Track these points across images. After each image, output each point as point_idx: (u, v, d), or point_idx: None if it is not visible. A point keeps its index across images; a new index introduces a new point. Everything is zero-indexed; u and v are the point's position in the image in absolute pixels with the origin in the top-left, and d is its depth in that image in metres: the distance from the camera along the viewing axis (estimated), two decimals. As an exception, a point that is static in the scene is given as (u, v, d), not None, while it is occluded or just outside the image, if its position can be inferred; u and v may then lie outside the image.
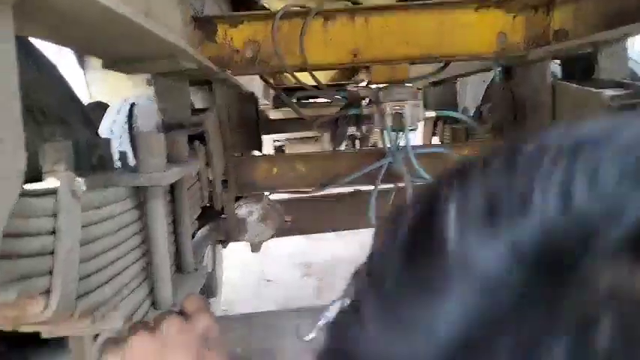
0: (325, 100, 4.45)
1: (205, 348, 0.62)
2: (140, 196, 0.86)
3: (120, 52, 1.00)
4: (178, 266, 1.08)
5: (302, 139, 5.06)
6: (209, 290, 1.25)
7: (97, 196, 0.73)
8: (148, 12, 0.86)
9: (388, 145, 1.66)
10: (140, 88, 2.17)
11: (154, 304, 0.89)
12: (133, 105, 2.02)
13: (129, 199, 0.83)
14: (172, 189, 1.01)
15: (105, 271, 0.72)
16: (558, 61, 1.92)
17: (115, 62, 1.05)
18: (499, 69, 2.03)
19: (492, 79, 2.10)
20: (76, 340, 0.85)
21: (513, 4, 1.64)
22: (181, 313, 0.65)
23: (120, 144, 2.00)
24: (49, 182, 0.66)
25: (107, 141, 1.06)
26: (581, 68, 1.69)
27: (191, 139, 1.35)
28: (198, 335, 0.62)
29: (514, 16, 1.65)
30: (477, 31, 1.64)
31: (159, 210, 0.85)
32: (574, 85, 1.59)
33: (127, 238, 0.81)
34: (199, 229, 1.62)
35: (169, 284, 0.90)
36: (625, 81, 1.51)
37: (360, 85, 3.70)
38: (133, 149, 0.86)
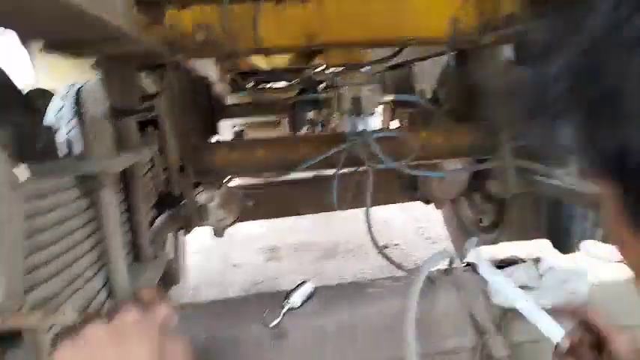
0: (283, 85, 4.42)
1: (165, 337, 0.60)
2: (90, 185, 0.83)
3: (60, 34, 0.96)
4: (136, 255, 1.06)
5: (262, 124, 4.99)
6: (171, 278, 1.23)
7: (42, 185, 0.70)
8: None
9: (347, 130, 1.66)
10: (86, 75, 2.09)
11: (110, 295, 0.87)
12: (79, 89, 1.94)
13: (77, 187, 0.80)
14: (124, 176, 0.98)
15: (54, 263, 0.69)
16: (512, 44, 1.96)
17: (56, 45, 1.01)
18: (452, 53, 2.06)
19: (446, 64, 2.13)
20: (29, 333, 0.82)
21: (465, -12, 1.65)
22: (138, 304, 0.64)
23: (68, 131, 1.93)
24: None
25: (50, 128, 1.02)
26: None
27: (143, 124, 1.31)
28: (156, 324, 0.61)
29: (466, 0, 1.66)
30: (430, 15, 1.65)
31: (111, 198, 0.83)
32: (526, 68, 1.62)
33: (77, 228, 0.78)
34: (159, 216, 1.59)
35: (125, 274, 0.88)
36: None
37: (318, 69, 3.69)
38: (81, 136, 0.83)
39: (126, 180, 0.99)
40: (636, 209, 0.33)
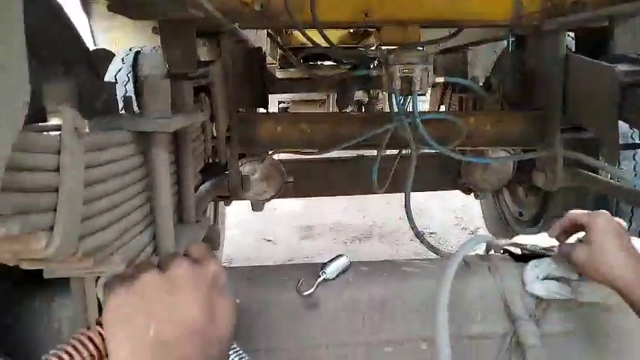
0: (333, 63, 4.40)
1: (215, 293, 0.61)
2: (144, 143, 0.85)
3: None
4: (180, 217, 1.09)
5: (307, 102, 5.01)
6: (211, 242, 1.27)
7: (101, 138, 0.73)
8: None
9: (395, 110, 1.63)
10: (145, 38, 2.14)
11: (155, 251, 0.90)
12: (138, 53, 1.99)
13: (133, 144, 0.82)
14: (176, 138, 1.00)
15: (108, 214, 0.72)
16: (572, 34, 1.88)
17: (121, 5, 1.03)
18: (512, 38, 1.99)
19: (504, 49, 2.06)
20: (76, 281, 0.86)
21: (532, -29, 1.59)
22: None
23: (125, 92, 1.99)
24: (53, 121, 0.66)
25: (112, 85, 1.05)
26: (595, 42, 1.66)
27: (196, 91, 1.33)
28: (207, 279, 0.61)
29: (531, -17, 1.60)
30: (492, -4, 1.60)
31: (162, 157, 0.85)
32: (587, 59, 1.56)
33: (131, 184, 0.81)
34: (203, 182, 1.63)
35: (172, 233, 0.90)
36: (639, 57, 1.48)
37: (371, 48, 3.65)
38: (137, 96, 0.85)
39: (177, 142, 1.01)
40: None
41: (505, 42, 1.99)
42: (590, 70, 1.54)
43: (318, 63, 4.59)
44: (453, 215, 4.18)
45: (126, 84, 1.97)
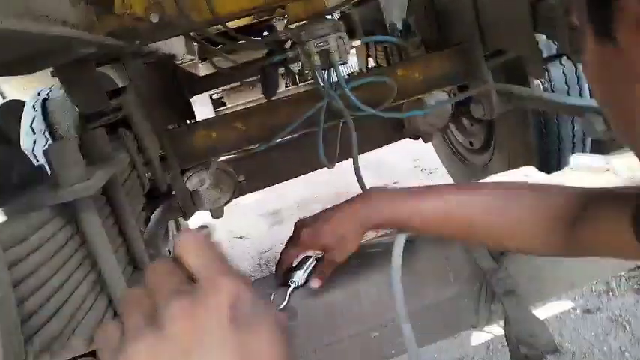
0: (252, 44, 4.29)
1: (242, 327, 0.36)
2: (71, 210, 0.81)
3: (9, 54, 0.91)
4: (135, 264, 1.05)
5: (239, 88, 4.92)
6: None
7: (20, 228, 0.68)
8: (27, 10, 0.77)
9: (322, 84, 1.61)
10: (51, 80, 2.01)
11: (116, 314, 0.86)
12: (45, 100, 1.88)
13: (58, 217, 0.78)
14: (105, 191, 0.95)
15: (49, 303, 0.68)
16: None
17: (6, 66, 0.95)
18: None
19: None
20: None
21: None
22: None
23: (46, 141, 1.88)
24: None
25: (22, 154, 0.99)
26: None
27: (114, 127, 1.27)
28: (223, 315, 0.36)
29: None
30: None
31: (93, 220, 0.81)
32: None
33: (67, 259, 0.77)
34: (152, 213, 1.57)
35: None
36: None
37: (280, 30, 3.56)
38: (47, 163, 0.80)
39: (107, 193, 0.96)
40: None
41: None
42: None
43: (239, 43, 4.46)
44: (411, 158, 4.23)
45: (44, 132, 1.86)
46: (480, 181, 1.11)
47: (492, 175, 1.11)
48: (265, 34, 3.83)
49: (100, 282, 0.84)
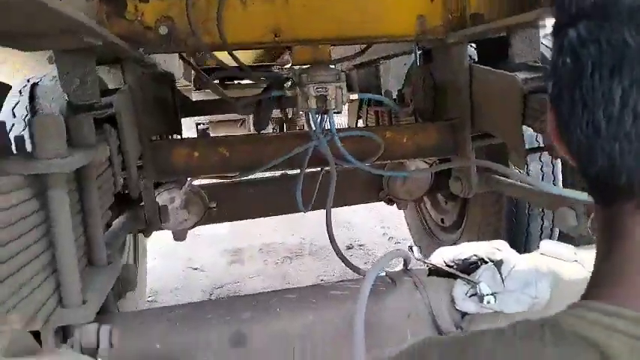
0: (250, 82, 4.36)
1: None
2: (41, 185, 0.78)
3: (13, 26, 0.90)
4: (90, 259, 1.01)
5: (227, 122, 4.94)
6: (127, 283, 1.17)
7: (-14, 186, 0.65)
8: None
9: (313, 128, 1.63)
10: (44, 68, 2.00)
11: (61, 301, 0.82)
12: (34, 85, 1.86)
13: (27, 188, 0.75)
14: (79, 176, 0.93)
15: (0, 268, 0.65)
16: (475, 45, 1.98)
17: (9, 37, 0.94)
18: (419, 52, 2.07)
19: (412, 63, 2.14)
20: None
21: (432, -13, 1.66)
22: None
23: (25, 126, 1.84)
24: None
25: (2, 125, 0.96)
26: (496, 52, 1.75)
27: (101, 122, 1.25)
28: None
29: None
30: (397, 13, 1.65)
31: (62, 199, 0.78)
32: (489, 69, 1.64)
33: (27, 231, 0.74)
34: (116, 217, 1.53)
35: (77, 280, 0.83)
36: (536, 64, 1.58)
37: (285, 67, 3.66)
38: (29, 135, 0.78)
39: (80, 180, 0.94)
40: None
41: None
42: (492, 79, 1.62)
43: (235, 82, 4.55)
44: (380, 225, 4.25)
45: (25, 117, 1.83)
46: (453, 246, 1.12)
47: (464, 244, 1.12)
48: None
49: (52, 265, 0.81)
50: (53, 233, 0.79)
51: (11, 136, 1.71)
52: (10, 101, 1.93)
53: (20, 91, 1.94)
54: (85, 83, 1.30)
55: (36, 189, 0.78)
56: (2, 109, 1.91)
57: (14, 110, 1.89)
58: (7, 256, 0.68)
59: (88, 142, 0.95)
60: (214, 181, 2.00)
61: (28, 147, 0.91)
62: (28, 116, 1.82)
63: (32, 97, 1.81)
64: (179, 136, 1.93)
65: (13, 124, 1.83)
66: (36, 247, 0.76)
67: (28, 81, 1.99)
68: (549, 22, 1.86)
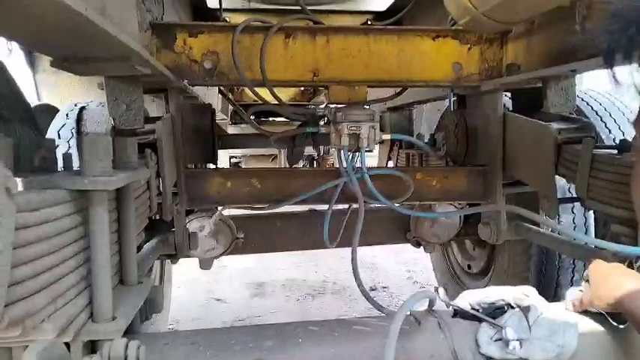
0: (284, 120, 4.47)
1: None
2: (83, 201, 0.82)
3: (70, 50, 0.97)
4: (122, 278, 1.03)
5: (259, 157, 5.04)
6: (154, 305, 1.19)
7: (35, 197, 0.69)
8: (103, 10, 0.84)
9: (344, 165, 1.66)
10: (92, 95, 2.11)
11: (92, 316, 0.85)
12: (82, 109, 1.95)
13: (71, 202, 0.79)
14: (119, 196, 0.97)
15: (38, 278, 0.68)
16: (509, 94, 1.99)
17: (65, 61, 1.01)
18: (454, 98, 2.10)
19: (447, 108, 2.16)
20: (3, 352, 0.79)
21: (469, 36, 1.70)
22: None
23: (68, 148, 1.93)
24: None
25: (52, 142, 1.02)
26: (530, 102, 1.76)
27: (143, 147, 1.31)
28: None
29: (469, 48, 1.71)
30: (434, 59, 1.69)
31: (102, 216, 0.82)
32: (524, 118, 1.65)
33: (66, 244, 0.77)
34: (147, 241, 1.57)
35: (109, 296, 0.85)
36: (571, 115, 1.58)
37: (320, 106, 3.74)
38: (78, 152, 0.82)
39: (120, 199, 0.98)
40: None
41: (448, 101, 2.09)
42: (527, 128, 1.63)
43: (270, 119, 4.66)
44: (405, 268, 4.20)
45: (69, 140, 1.92)
46: (479, 289, 1.11)
47: (491, 287, 1.11)
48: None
49: (87, 280, 0.84)
50: (91, 249, 0.82)
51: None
52: (56, 123, 2.04)
53: (67, 115, 2.04)
54: (131, 109, 1.37)
55: (79, 205, 0.81)
56: (48, 130, 2.01)
57: (59, 132, 1.98)
58: (47, 266, 0.71)
59: (131, 164, 1.00)
60: (243, 212, 2.03)
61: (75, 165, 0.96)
62: (72, 139, 1.91)
63: (79, 120, 1.90)
64: (214, 166, 1.98)
65: (58, 145, 1.92)
66: (73, 260, 0.80)
67: (76, 105, 2.09)
68: (585, 75, 1.88)
